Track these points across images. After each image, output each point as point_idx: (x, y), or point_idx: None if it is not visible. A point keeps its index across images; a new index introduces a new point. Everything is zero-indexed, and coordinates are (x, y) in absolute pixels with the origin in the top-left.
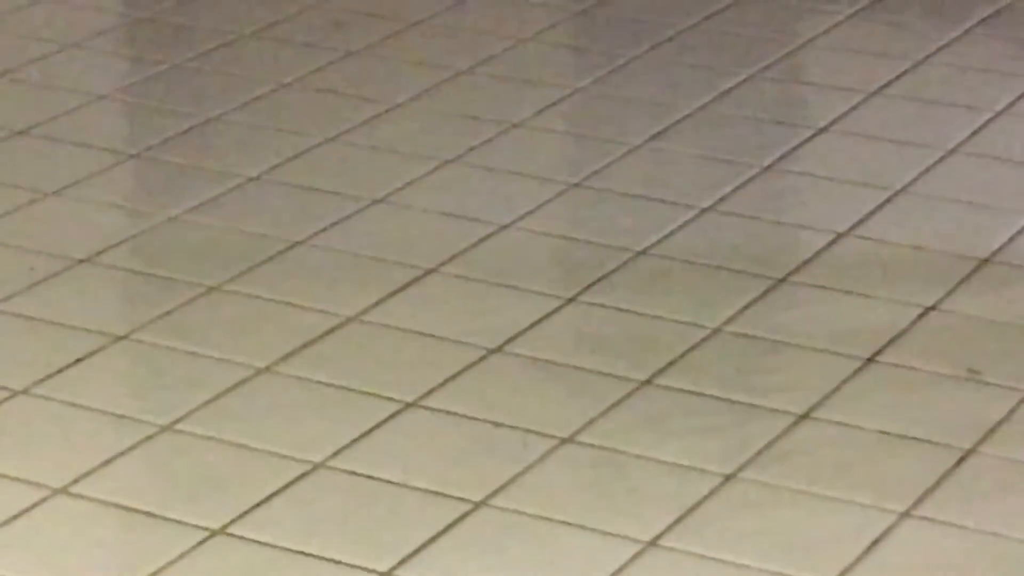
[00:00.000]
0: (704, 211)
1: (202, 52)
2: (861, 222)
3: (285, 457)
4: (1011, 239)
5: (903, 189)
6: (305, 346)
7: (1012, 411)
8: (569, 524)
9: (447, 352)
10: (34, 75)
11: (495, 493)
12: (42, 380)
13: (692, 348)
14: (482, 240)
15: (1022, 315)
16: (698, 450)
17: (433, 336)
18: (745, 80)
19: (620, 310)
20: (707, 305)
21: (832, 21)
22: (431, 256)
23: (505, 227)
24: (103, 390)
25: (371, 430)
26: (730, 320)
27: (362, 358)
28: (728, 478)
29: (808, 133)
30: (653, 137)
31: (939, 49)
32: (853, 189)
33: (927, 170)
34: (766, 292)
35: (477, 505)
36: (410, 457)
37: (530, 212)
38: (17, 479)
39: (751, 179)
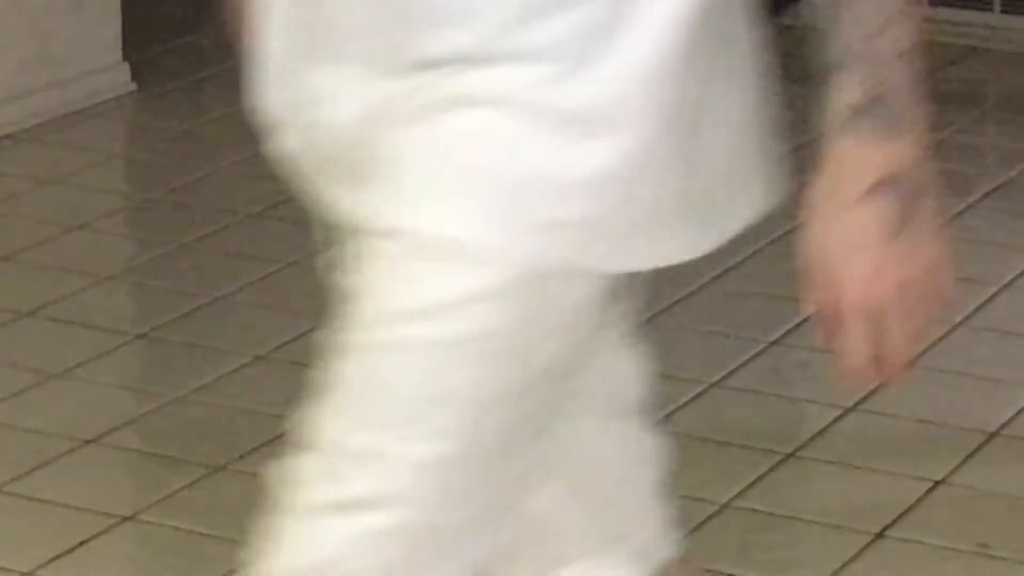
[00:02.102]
0: (711, 386)
1: (207, 232)
2: (868, 397)
3: None
4: (1019, 412)
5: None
6: None
7: None
8: None
9: None
10: (40, 257)
11: None
12: (47, 562)
13: (700, 524)
14: None
15: None
16: None
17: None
18: (752, 254)
19: None
20: (715, 480)
21: None
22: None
23: None
24: (109, 572)
25: None
26: (738, 496)
27: None
28: None
29: (813, 307)
30: (659, 312)
31: (944, 222)
32: None
33: (934, 343)
34: (774, 467)
35: None
36: None
37: None
38: None
39: (758, 354)
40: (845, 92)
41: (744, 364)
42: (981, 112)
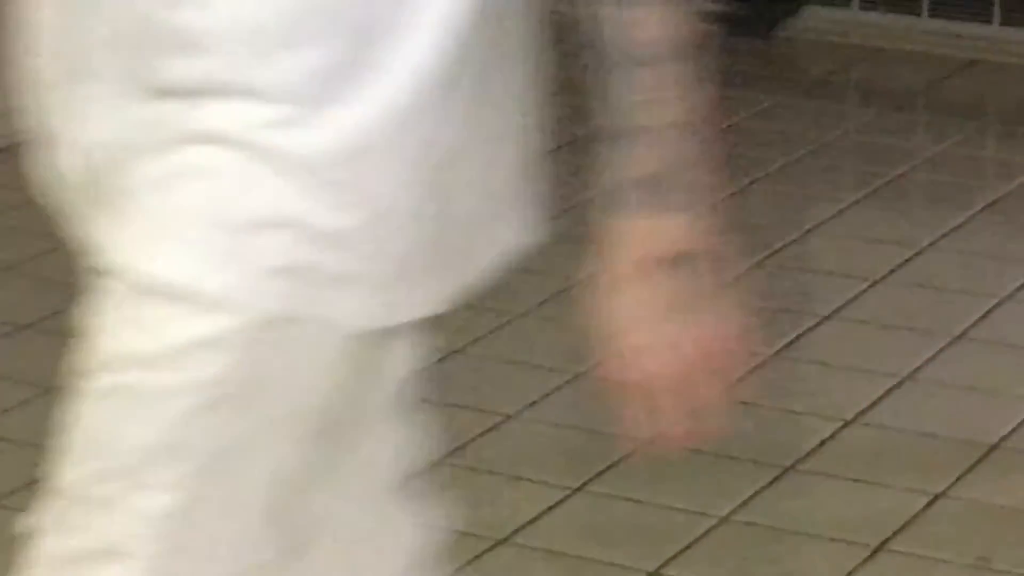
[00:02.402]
0: None
1: None
2: (868, 409)
3: None
4: (1019, 425)
5: (910, 376)
6: None
7: None
8: None
9: (454, 542)
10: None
11: None
12: None
13: (700, 537)
14: (488, 431)
15: None
16: None
17: (439, 527)
18: (751, 268)
19: (627, 499)
20: (714, 494)
21: (837, 208)
22: (437, 447)
23: (510, 417)
24: None
25: None
26: (738, 509)
27: None
28: None
29: (814, 320)
30: None
31: (944, 235)
32: (860, 376)
33: (933, 357)
34: (774, 480)
35: None
36: None
37: (534, 402)
38: None
39: (758, 367)
40: (621, 165)
41: (742, 377)
42: (981, 124)
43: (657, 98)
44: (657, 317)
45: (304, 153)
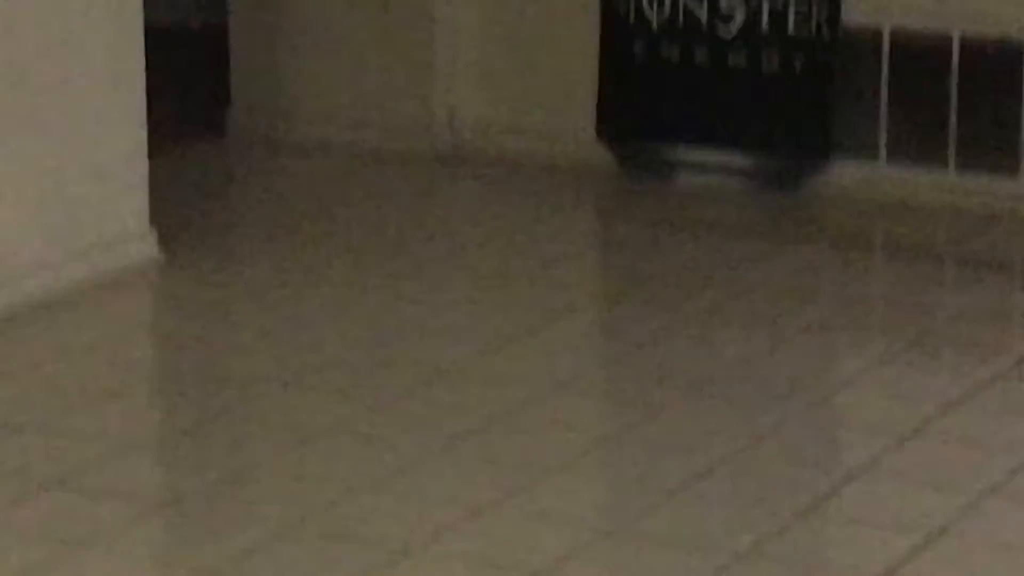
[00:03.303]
0: (740, 556)
1: (234, 401)
2: (899, 566)
3: None
4: None
5: (941, 532)
6: None
7: None
8: None
9: None
10: (67, 426)
11: None
12: None
13: None
14: None
15: None
16: None
17: None
18: (782, 421)
19: None
20: None
21: (866, 362)
22: None
23: (538, 574)
24: None
25: None
26: None
27: None
28: None
29: (845, 475)
30: (687, 482)
31: (975, 389)
32: (891, 533)
33: (965, 513)
34: None
35: None
36: None
37: (565, 558)
38: None
39: (788, 522)
40: None
41: (772, 533)
42: (1008, 278)
43: None
44: None
45: None
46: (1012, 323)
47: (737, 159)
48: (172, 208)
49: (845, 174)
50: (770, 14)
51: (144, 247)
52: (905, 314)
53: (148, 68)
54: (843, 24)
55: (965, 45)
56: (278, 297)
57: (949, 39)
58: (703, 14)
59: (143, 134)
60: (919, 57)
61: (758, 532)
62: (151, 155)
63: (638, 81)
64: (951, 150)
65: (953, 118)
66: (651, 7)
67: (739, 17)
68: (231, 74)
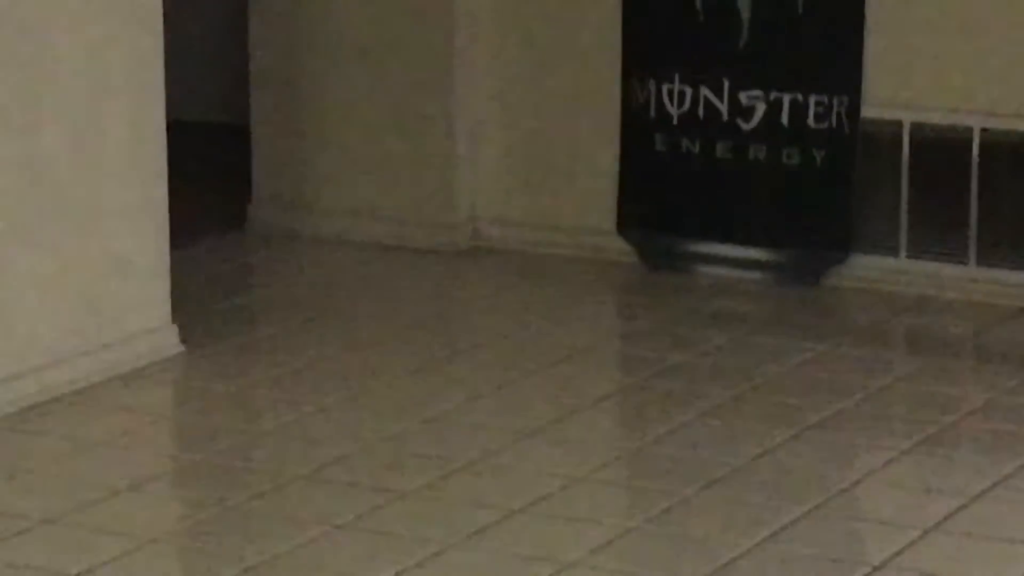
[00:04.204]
0: None
1: (255, 494)
2: None
3: None
4: None
5: None
6: None
7: None
8: None
9: None
10: (87, 519)
11: None
12: None
13: None
14: None
15: None
16: None
17: None
18: (801, 516)
19: None
20: None
21: (888, 456)
22: None
23: None
24: None
25: None
26: None
27: None
28: None
29: (865, 571)
30: None
31: (996, 484)
32: None
33: None
34: None
35: None
36: None
37: None
38: None
39: None
40: None
41: None
42: None
43: None
44: None
45: None
46: None
47: (757, 253)
48: (193, 301)
49: (865, 268)
50: (790, 108)
51: (166, 340)
52: (926, 408)
53: (170, 162)
54: (863, 118)
55: (985, 139)
56: (299, 390)
57: (969, 133)
58: (723, 108)
59: (165, 228)
60: (939, 151)
61: None
62: (173, 248)
63: (659, 174)
64: (971, 244)
65: (973, 212)
66: (671, 101)
67: (759, 111)
68: (253, 168)
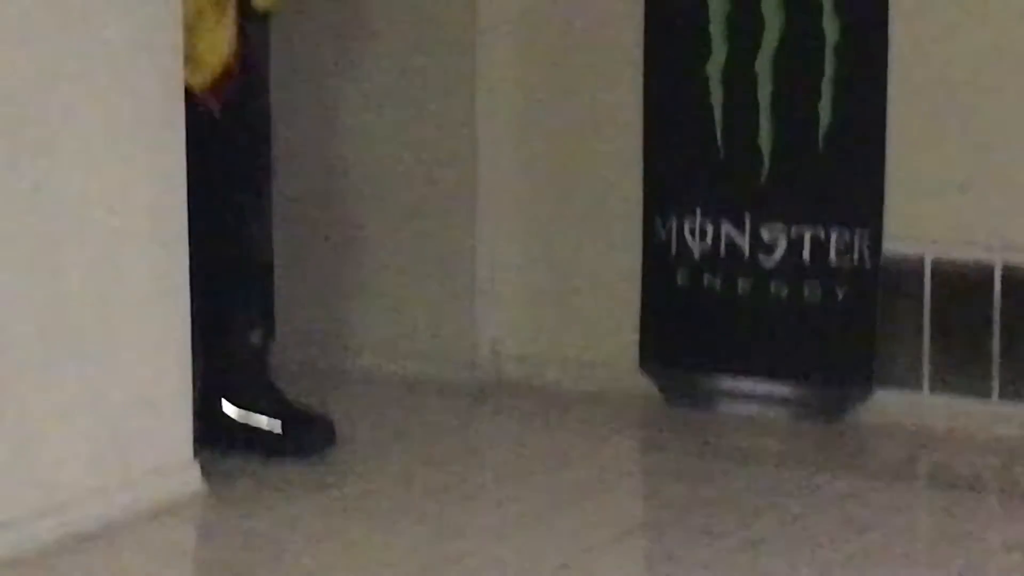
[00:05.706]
0: None
1: None
2: None
3: None
4: None
5: None
6: None
7: None
8: None
9: None
10: None
11: None
12: None
13: None
14: None
15: None
16: None
17: None
18: None
19: None
20: None
21: None
22: None
23: None
24: None
25: None
26: None
27: None
28: None
29: None
30: None
31: None
32: None
33: None
34: None
35: None
36: None
37: None
38: None
39: None
40: None
41: None
42: None
43: None
44: None
45: None
46: None
47: (780, 388)
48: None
49: (888, 403)
50: (812, 244)
51: (188, 478)
52: (950, 545)
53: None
54: (885, 254)
55: (1007, 274)
56: (321, 529)
57: (991, 269)
58: (745, 244)
59: (188, 364)
60: (961, 286)
61: None
62: (195, 385)
63: (680, 310)
64: (995, 379)
65: (996, 347)
66: (693, 236)
67: (781, 247)
68: (275, 305)
